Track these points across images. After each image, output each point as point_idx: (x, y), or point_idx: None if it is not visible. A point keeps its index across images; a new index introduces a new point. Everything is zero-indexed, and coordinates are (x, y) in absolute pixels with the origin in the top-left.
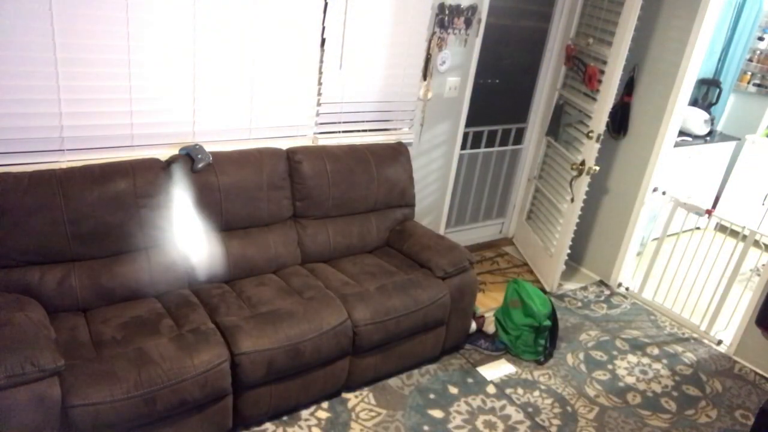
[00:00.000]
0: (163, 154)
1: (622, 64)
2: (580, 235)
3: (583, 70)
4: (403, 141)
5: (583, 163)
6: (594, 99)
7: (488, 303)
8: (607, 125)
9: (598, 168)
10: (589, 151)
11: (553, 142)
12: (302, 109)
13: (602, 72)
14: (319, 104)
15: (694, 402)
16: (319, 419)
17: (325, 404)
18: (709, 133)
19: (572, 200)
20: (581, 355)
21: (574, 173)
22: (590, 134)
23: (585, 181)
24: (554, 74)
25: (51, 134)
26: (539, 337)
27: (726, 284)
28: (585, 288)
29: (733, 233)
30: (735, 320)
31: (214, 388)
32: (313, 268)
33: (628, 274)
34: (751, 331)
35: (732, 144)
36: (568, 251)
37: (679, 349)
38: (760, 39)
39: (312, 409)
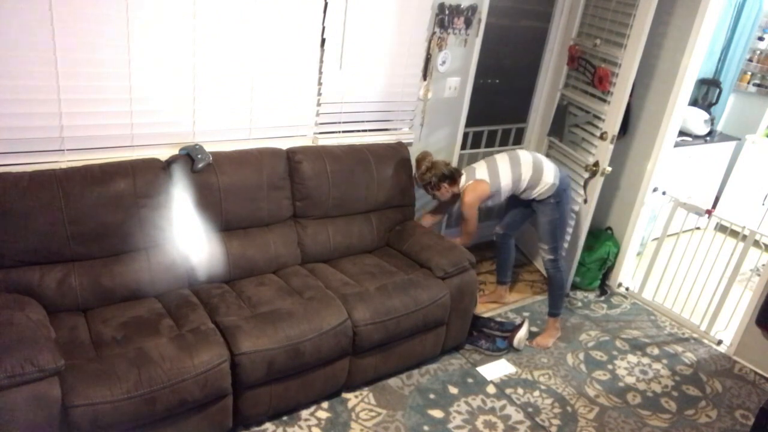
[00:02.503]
0: (163, 154)
1: (637, 65)
2: None
3: (591, 71)
4: (403, 141)
5: (596, 164)
6: (604, 100)
7: (488, 303)
8: None
9: (611, 169)
10: (603, 153)
11: (557, 143)
12: (302, 109)
13: (614, 74)
14: (319, 104)
15: (694, 402)
16: (319, 419)
17: (325, 404)
18: (709, 133)
19: (585, 201)
20: (581, 355)
21: (587, 175)
22: (604, 135)
23: (599, 182)
24: (555, 74)
25: (51, 134)
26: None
27: (726, 284)
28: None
29: (733, 233)
30: (735, 320)
31: (214, 388)
32: (313, 268)
33: (628, 274)
34: (751, 331)
35: (732, 144)
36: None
37: (679, 349)
38: (760, 39)
39: (312, 409)
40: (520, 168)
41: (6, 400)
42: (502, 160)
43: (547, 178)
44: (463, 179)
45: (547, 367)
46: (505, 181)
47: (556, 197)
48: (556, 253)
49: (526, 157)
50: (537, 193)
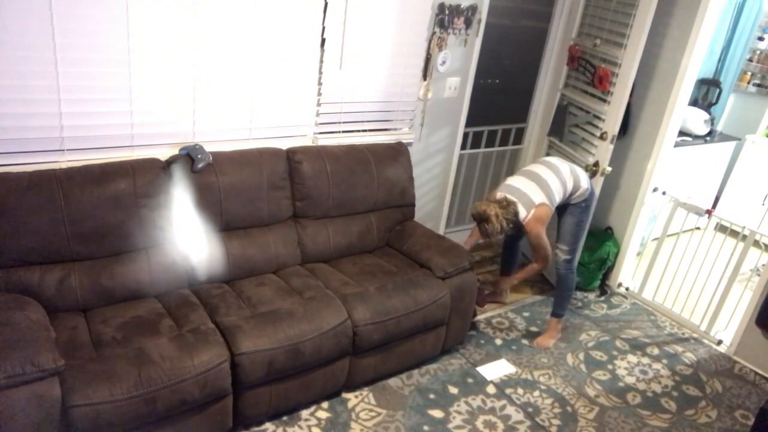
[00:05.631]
0: (163, 154)
1: (637, 65)
2: None
3: (591, 71)
4: (403, 141)
5: (596, 164)
6: (604, 100)
7: (488, 303)
8: None
9: (611, 169)
10: (603, 153)
11: (557, 143)
12: (302, 109)
13: (614, 74)
14: (319, 104)
15: (694, 402)
16: (319, 419)
17: (325, 404)
18: (709, 133)
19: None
20: (581, 355)
21: (587, 174)
22: (604, 135)
23: (599, 182)
24: (554, 74)
25: (51, 134)
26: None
27: (726, 284)
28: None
29: (733, 233)
30: (735, 320)
31: (214, 388)
32: (313, 268)
33: (628, 274)
34: (751, 331)
35: (732, 144)
36: None
37: (679, 349)
38: (760, 39)
39: (312, 409)
40: (564, 178)
41: (6, 400)
42: (547, 174)
43: (584, 183)
44: (520, 207)
45: (547, 367)
46: (558, 197)
47: (588, 201)
48: (573, 254)
49: (563, 165)
50: (574, 199)
